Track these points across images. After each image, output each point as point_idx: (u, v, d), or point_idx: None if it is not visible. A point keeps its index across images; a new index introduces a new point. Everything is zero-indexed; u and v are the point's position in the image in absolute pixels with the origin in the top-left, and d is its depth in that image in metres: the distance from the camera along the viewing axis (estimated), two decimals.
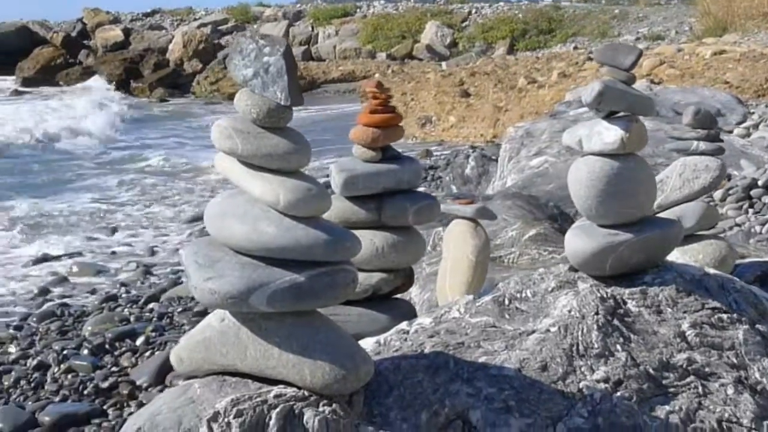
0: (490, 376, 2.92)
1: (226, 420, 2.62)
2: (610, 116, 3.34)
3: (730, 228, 7.04)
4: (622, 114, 3.34)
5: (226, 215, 2.75)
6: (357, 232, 3.00)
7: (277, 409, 2.65)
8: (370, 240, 3.70)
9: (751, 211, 7.70)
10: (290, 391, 2.71)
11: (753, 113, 11.80)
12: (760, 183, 8.03)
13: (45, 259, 11.54)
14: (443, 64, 26.27)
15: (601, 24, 28.48)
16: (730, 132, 10.09)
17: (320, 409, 2.68)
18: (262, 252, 2.70)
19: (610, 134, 3.30)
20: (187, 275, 2.76)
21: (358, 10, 36.12)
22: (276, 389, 2.71)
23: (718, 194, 7.55)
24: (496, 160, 10.57)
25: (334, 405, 2.70)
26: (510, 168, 8.82)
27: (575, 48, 23.49)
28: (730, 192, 7.92)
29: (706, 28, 18.76)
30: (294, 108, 2.75)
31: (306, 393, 2.71)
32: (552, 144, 8.77)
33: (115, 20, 38.89)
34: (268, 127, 2.73)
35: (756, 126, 10.99)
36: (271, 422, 2.63)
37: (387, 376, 2.84)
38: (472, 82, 19.76)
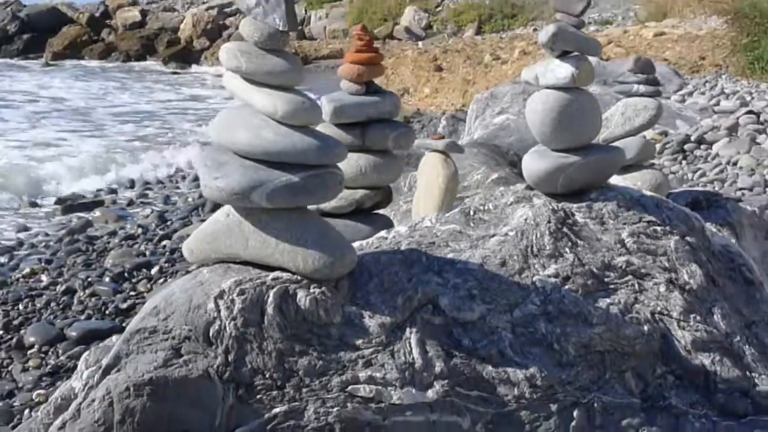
0: (457, 269, 2.98)
1: (230, 297, 2.67)
2: (562, 55, 3.37)
3: (667, 176, 7.13)
4: (573, 54, 3.37)
5: (231, 125, 2.80)
6: None
7: (275, 289, 2.71)
8: (355, 161, 3.75)
9: (684, 162, 7.85)
10: (286, 275, 2.76)
11: (688, 84, 11.98)
12: (692, 138, 8.22)
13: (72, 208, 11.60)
14: (420, 43, 26.07)
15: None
16: (668, 98, 10.19)
17: (311, 290, 2.73)
18: (262, 156, 2.75)
19: (562, 70, 3.34)
20: (199, 176, 2.82)
21: None
22: (273, 273, 2.76)
23: (657, 147, 7.67)
24: (465, 121, 10.64)
25: (323, 287, 2.75)
26: (476, 125, 8.85)
27: (534, 30, 23.24)
28: (667, 146, 8.06)
29: (648, 13, 18.80)
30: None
31: (299, 277, 2.75)
32: (513, 104, 8.78)
33: (134, 2, 38.97)
34: (269, 49, 2.77)
35: (690, 94, 11.21)
36: (269, 300, 2.68)
37: (368, 266, 2.89)
38: (445, 59, 19.73)
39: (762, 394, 3.05)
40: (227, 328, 2.63)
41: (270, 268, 2.78)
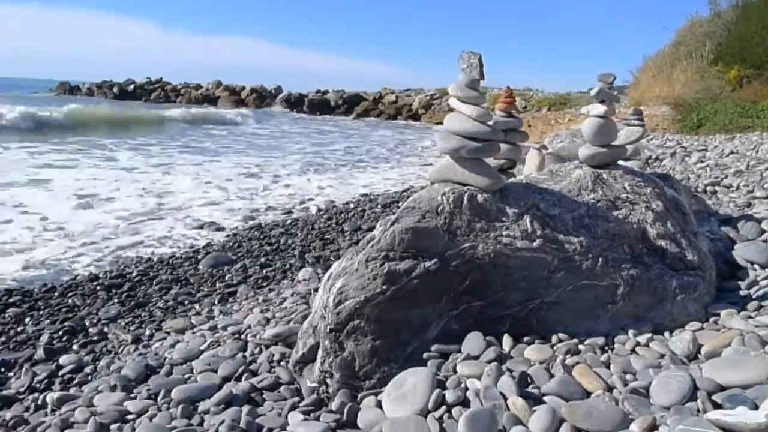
0: (548, 192, 2.93)
1: (448, 195, 2.69)
2: (601, 101, 3.27)
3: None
4: (605, 101, 3.26)
5: (452, 120, 2.78)
6: None
7: (467, 193, 2.71)
8: (501, 147, 3.71)
9: (648, 168, 7.48)
10: (472, 188, 2.75)
11: (650, 136, 11.45)
12: (652, 158, 7.80)
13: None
14: (521, 114, 25.82)
15: (590, 100, 27.82)
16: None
17: (483, 195, 2.73)
18: (465, 134, 2.73)
19: (600, 108, 3.23)
20: (436, 142, 2.84)
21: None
22: (467, 186, 2.75)
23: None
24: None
25: (488, 194, 2.75)
26: (549, 149, 8.64)
27: (575, 110, 22.50)
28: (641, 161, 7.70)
29: (631, 103, 17.82)
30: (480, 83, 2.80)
31: (479, 189, 2.75)
32: (566, 139, 8.49)
33: (392, 92, 39.62)
34: (470, 87, 2.75)
35: (651, 140, 10.65)
36: (464, 198, 2.69)
37: (507, 187, 2.87)
38: (533, 121, 19.31)
39: (688, 260, 2.92)
40: (446, 208, 2.66)
41: (465, 185, 2.78)
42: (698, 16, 18.56)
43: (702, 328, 2.64)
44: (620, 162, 3.65)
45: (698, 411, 1.91)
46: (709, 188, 6.10)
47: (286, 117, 35.18)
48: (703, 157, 7.72)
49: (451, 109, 2.83)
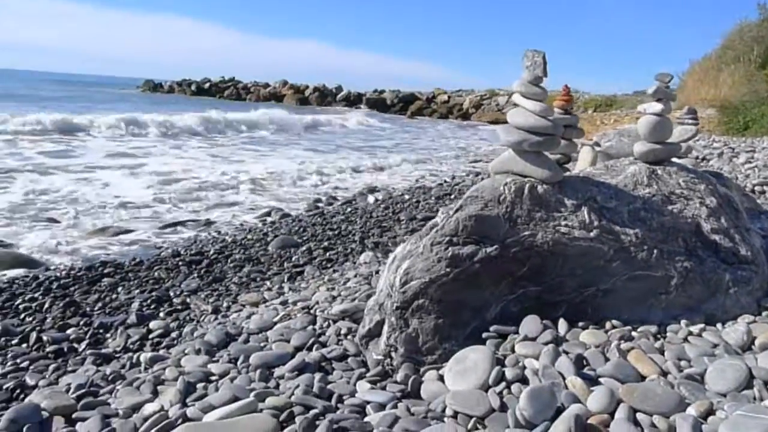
0: (605, 185, 2.84)
1: (509, 186, 2.64)
2: (657, 100, 3.14)
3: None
4: (662, 99, 3.14)
5: (515, 115, 2.72)
6: None
7: (528, 185, 2.65)
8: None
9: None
10: (533, 179, 2.69)
11: (697, 137, 11.02)
12: (699, 158, 7.49)
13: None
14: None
15: (636, 102, 26.82)
16: None
17: (543, 186, 2.66)
18: (527, 128, 2.66)
19: (656, 106, 3.11)
20: (500, 137, 2.76)
21: None
22: (527, 178, 2.69)
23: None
24: None
25: (547, 186, 2.68)
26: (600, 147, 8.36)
27: (621, 111, 21.76)
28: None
29: (678, 105, 17.14)
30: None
31: (540, 180, 2.69)
32: (613, 138, 8.20)
33: (444, 92, 39.00)
34: (533, 84, 2.68)
35: (697, 140, 10.21)
36: (525, 188, 2.63)
37: (566, 180, 2.79)
38: (580, 122, 18.78)
39: (741, 255, 2.79)
40: (507, 198, 2.61)
41: (526, 176, 2.72)
42: (747, 21, 17.65)
43: (755, 321, 2.53)
44: (674, 159, 3.52)
45: (755, 398, 1.83)
46: (757, 188, 5.83)
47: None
48: (751, 157, 7.37)
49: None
